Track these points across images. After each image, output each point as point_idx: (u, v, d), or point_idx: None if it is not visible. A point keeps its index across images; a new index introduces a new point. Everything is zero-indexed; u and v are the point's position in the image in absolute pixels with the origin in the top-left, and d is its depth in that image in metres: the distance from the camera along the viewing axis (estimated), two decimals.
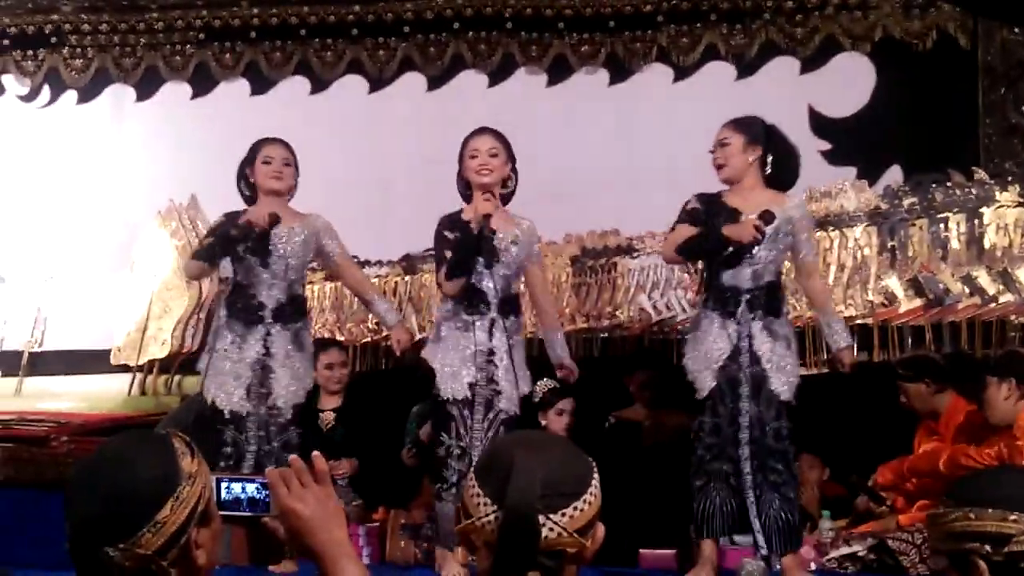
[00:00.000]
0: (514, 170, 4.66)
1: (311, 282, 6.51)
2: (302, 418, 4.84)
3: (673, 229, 4.47)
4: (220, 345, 4.80)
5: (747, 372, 4.30)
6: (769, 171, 4.43)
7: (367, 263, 6.94)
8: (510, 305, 4.59)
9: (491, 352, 4.51)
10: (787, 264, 4.82)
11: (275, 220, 4.71)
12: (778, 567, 4.24)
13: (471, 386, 4.47)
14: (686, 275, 6.19)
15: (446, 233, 4.56)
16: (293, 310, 4.82)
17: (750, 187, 4.42)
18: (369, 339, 6.81)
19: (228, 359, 4.74)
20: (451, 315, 4.57)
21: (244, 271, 4.82)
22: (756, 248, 4.31)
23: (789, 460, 4.31)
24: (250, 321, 4.75)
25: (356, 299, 6.79)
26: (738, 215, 4.35)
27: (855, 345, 6.11)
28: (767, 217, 4.25)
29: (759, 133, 4.45)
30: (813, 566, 4.70)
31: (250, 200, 4.94)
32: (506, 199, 4.65)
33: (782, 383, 4.30)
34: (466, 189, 4.64)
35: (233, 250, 4.78)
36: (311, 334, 5.05)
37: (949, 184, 6.22)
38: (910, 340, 6.04)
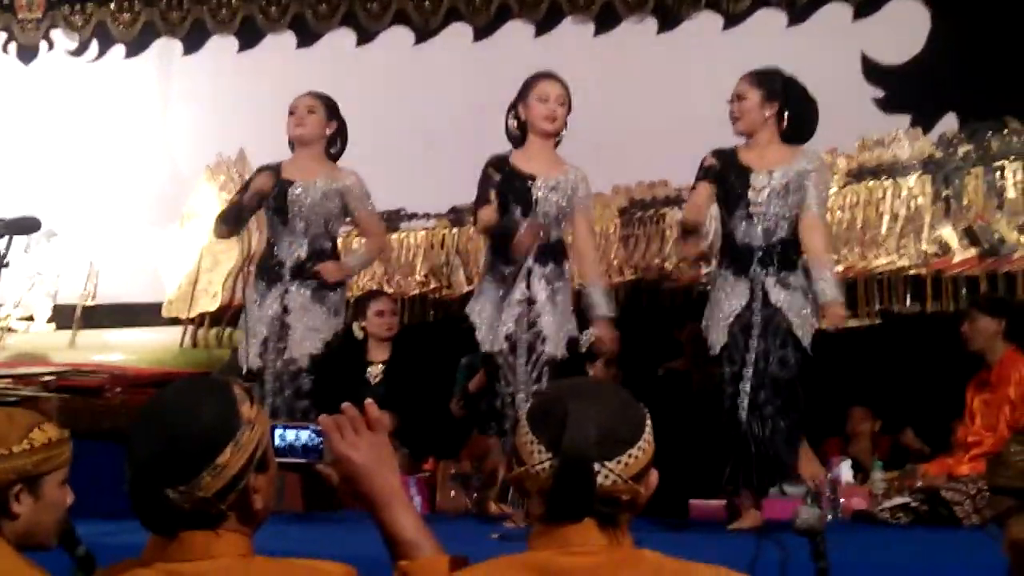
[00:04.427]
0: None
1: (359, 235, 6.51)
2: (345, 367, 4.87)
3: (694, 188, 4.46)
4: (247, 303, 4.90)
5: (760, 315, 4.27)
6: (787, 126, 4.38)
7: (414, 216, 6.95)
8: (548, 253, 4.55)
9: (531, 301, 4.50)
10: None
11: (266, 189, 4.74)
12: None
13: (508, 337, 4.47)
14: None
15: (490, 171, 4.53)
16: (314, 265, 4.83)
17: (766, 142, 4.40)
18: (417, 291, 6.82)
19: (250, 317, 4.81)
20: (489, 267, 4.59)
21: (271, 229, 4.88)
22: (765, 205, 4.30)
23: (793, 390, 4.24)
24: (271, 279, 4.82)
25: (405, 252, 6.85)
26: (748, 173, 4.35)
27: (908, 296, 6.11)
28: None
29: (778, 88, 4.38)
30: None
31: None
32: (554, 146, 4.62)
33: (795, 319, 4.24)
34: (518, 129, 4.59)
35: (259, 209, 4.84)
36: (342, 287, 5.07)
37: (1005, 131, 6.12)
38: (964, 291, 5.96)
